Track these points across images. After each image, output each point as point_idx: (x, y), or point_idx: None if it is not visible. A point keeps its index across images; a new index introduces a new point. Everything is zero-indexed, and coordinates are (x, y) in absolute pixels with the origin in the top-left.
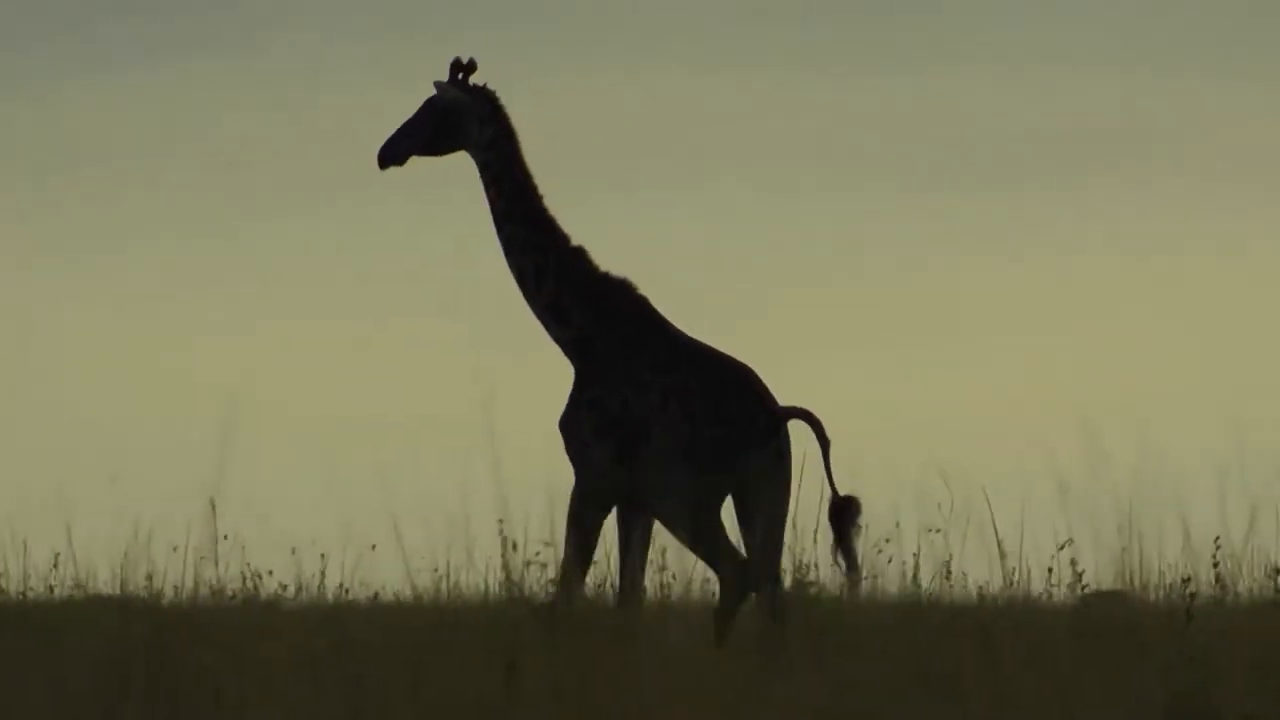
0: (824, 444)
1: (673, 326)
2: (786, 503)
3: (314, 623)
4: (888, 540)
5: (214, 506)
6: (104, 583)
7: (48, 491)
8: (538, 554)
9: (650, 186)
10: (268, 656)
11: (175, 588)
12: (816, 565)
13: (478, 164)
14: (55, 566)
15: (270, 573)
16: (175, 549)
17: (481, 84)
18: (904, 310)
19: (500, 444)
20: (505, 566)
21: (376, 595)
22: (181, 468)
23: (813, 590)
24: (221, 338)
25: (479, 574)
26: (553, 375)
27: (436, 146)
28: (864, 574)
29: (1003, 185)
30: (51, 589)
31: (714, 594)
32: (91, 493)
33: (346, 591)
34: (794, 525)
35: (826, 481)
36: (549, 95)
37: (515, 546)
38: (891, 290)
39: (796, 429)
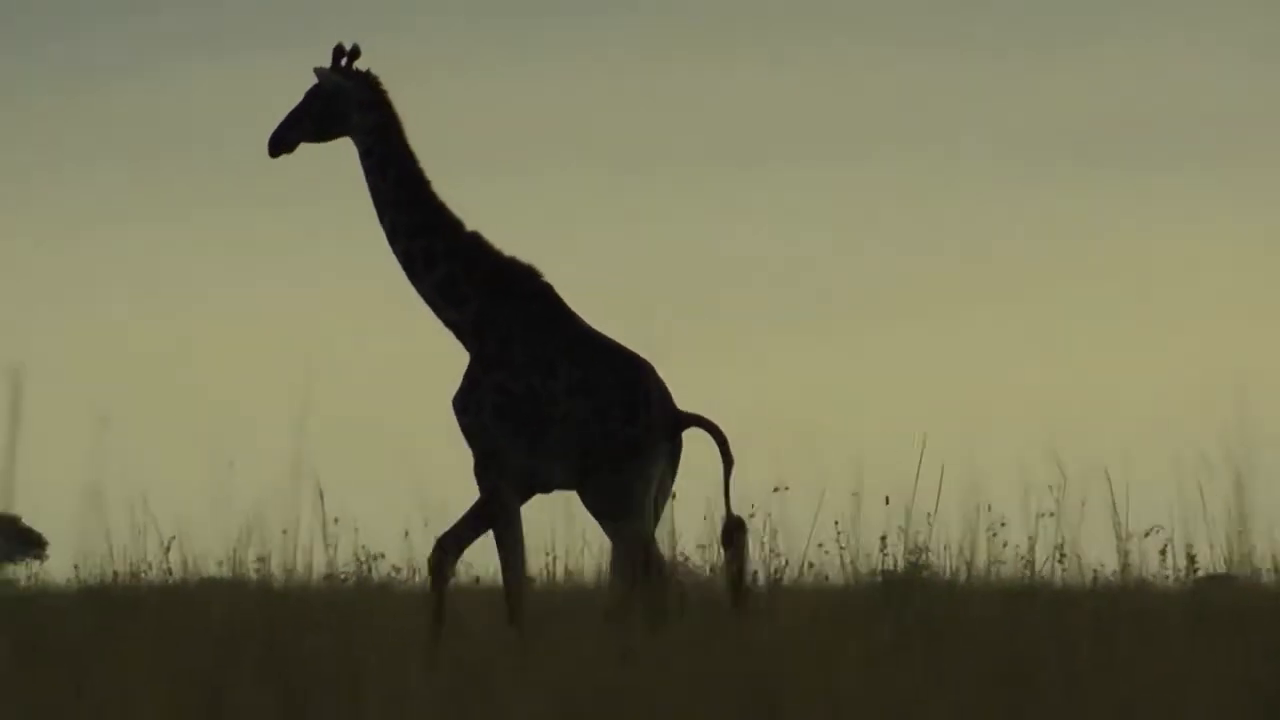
0: (727, 462)
1: (578, 316)
2: (665, 499)
3: (425, 605)
4: (1003, 524)
5: (321, 493)
6: (216, 566)
7: (160, 476)
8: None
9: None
10: (379, 639)
11: (287, 570)
12: (929, 549)
13: (359, 150)
14: (168, 550)
15: (382, 555)
16: (284, 532)
17: (364, 70)
18: (1017, 291)
19: None
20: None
21: (478, 579)
22: (280, 452)
23: (924, 574)
24: (295, 323)
25: (594, 556)
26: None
27: (322, 133)
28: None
29: (1131, 167)
30: (169, 572)
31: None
32: (200, 477)
33: (457, 575)
34: (906, 510)
35: (723, 501)
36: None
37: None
38: (1004, 271)
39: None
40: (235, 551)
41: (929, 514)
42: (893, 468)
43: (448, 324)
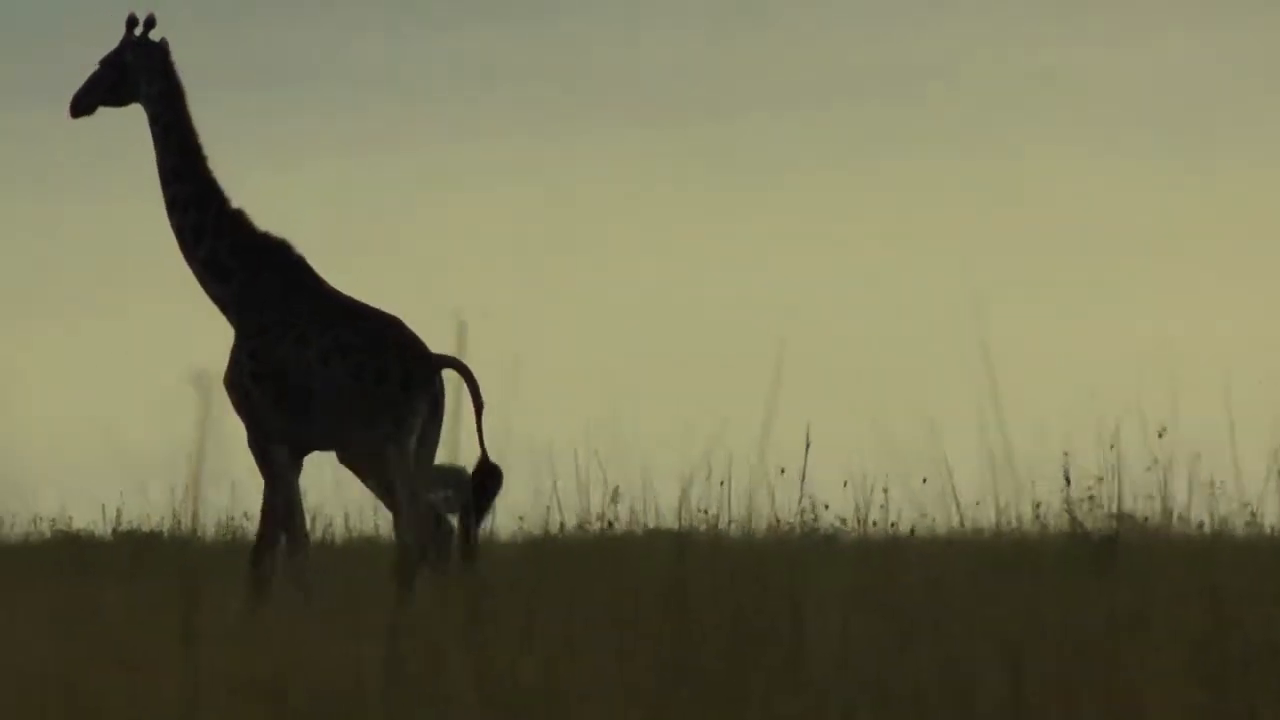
0: (477, 404)
1: (326, 283)
2: (437, 441)
3: (868, 556)
4: None
5: (808, 443)
6: (663, 517)
7: (610, 429)
8: (1089, 488)
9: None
10: (825, 590)
11: (734, 523)
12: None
13: (149, 117)
14: (613, 500)
15: (826, 506)
16: (721, 483)
17: (158, 39)
18: None
19: (1058, 379)
20: (1066, 500)
21: (912, 531)
22: (739, 403)
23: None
24: (774, 274)
25: (1033, 508)
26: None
27: (116, 99)
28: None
29: None
30: (607, 524)
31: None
32: (651, 429)
33: (895, 526)
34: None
35: (479, 444)
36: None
37: (1069, 480)
38: None
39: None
40: (680, 503)
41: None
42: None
43: (213, 299)
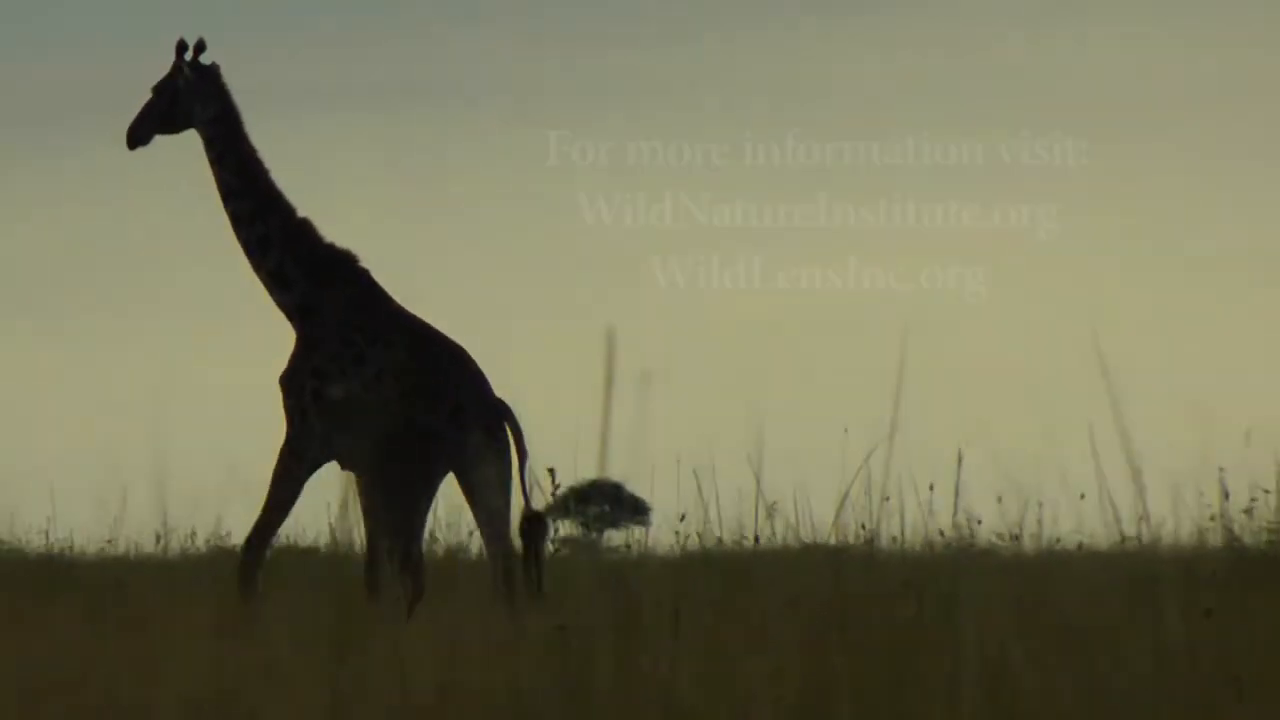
0: (521, 455)
1: (394, 301)
2: (509, 479)
3: (1022, 570)
4: None
5: (960, 458)
6: (820, 533)
7: (772, 443)
8: (1254, 501)
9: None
10: (973, 605)
11: (894, 539)
12: None
13: (203, 140)
14: (769, 517)
15: (980, 521)
16: (887, 499)
17: (208, 63)
18: None
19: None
20: (1219, 515)
21: (1081, 545)
22: (856, 411)
23: None
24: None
25: (1189, 522)
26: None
27: (171, 126)
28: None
29: None
30: (753, 539)
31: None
32: (807, 444)
33: (1058, 541)
34: None
35: (521, 494)
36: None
37: (1228, 495)
38: None
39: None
40: (836, 517)
41: None
42: None
43: (280, 307)
